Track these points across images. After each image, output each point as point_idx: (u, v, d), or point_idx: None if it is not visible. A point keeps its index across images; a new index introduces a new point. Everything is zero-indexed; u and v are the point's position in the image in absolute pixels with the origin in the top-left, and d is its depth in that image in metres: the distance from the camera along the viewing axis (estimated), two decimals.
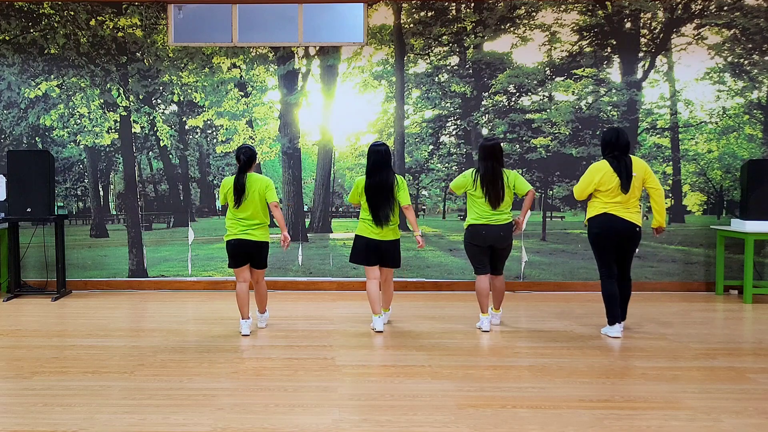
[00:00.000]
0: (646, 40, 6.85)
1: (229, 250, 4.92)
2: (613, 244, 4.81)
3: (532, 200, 5.06)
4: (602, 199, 4.79)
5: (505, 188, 4.95)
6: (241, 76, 6.95)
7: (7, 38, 6.88)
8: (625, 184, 4.71)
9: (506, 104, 6.95)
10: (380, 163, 5.00)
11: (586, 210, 6.98)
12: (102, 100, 6.94)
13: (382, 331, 5.06)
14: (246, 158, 4.84)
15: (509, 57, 6.90)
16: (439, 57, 6.91)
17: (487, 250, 5.05)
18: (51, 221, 6.53)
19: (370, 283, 5.13)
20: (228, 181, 4.89)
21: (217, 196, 7.04)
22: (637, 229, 4.79)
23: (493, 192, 4.91)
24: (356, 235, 5.16)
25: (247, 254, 4.90)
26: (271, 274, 6.99)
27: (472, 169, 5.06)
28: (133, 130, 6.98)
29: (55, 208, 6.83)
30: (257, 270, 5.01)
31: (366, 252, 5.09)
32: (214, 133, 7.03)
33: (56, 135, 6.97)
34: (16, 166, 6.40)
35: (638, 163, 4.79)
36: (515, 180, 4.99)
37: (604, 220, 4.77)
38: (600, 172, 4.78)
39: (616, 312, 4.87)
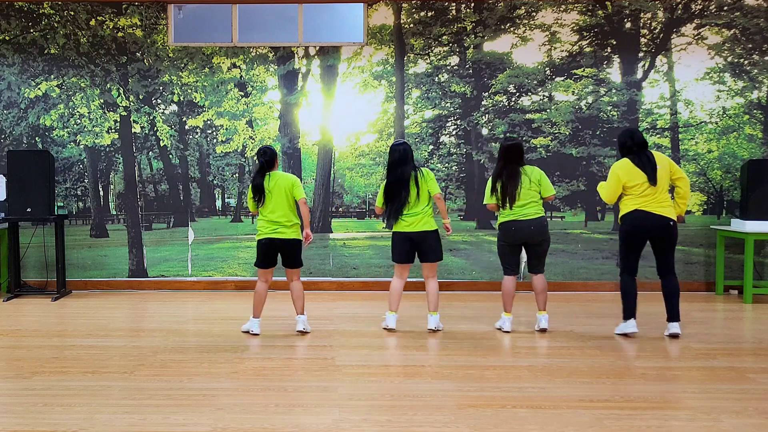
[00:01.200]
0: (646, 40, 6.85)
1: (259, 249, 4.90)
2: (644, 241, 4.78)
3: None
4: (632, 196, 4.75)
5: (528, 184, 4.90)
6: (241, 76, 6.95)
7: (7, 38, 6.88)
8: (652, 176, 4.67)
9: (506, 104, 6.95)
10: (398, 162, 4.96)
11: (586, 211, 7.01)
12: (102, 100, 6.94)
13: (393, 329, 5.02)
14: (265, 160, 4.83)
15: (509, 57, 6.90)
16: (439, 57, 6.91)
17: (519, 248, 5.02)
18: (51, 221, 6.53)
19: (395, 280, 5.10)
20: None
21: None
22: (671, 222, 4.70)
23: (508, 192, 4.89)
24: (393, 233, 5.09)
25: (277, 253, 4.89)
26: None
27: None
28: (133, 130, 6.98)
29: (55, 208, 6.83)
30: (291, 269, 4.96)
31: (401, 246, 5.02)
32: (214, 133, 7.03)
33: (56, 135, 6.97)
34: (16, 166, 6.40)
35: (660, 156, 4.78)
36: (540, 178, 4.96)
37: (636, 217, 4.72)
38: (623, 168, 4.74)
39: (632, 307, 4.84)
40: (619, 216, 4.89)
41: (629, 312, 4.87)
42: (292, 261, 4.92)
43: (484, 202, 5.14)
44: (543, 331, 5.04)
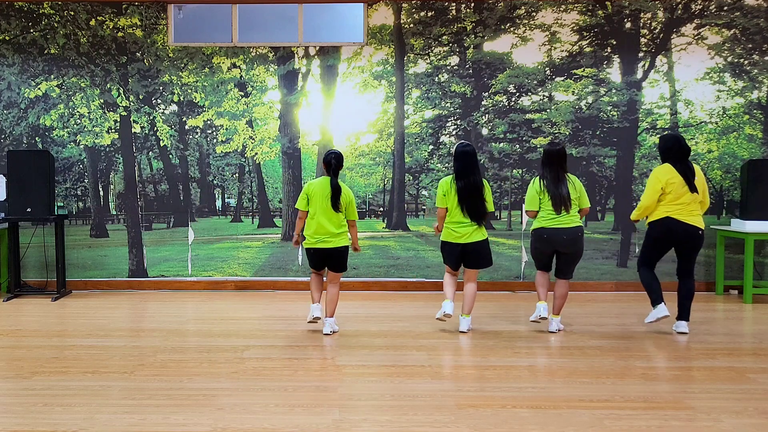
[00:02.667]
0: (646, 40, 6.85)
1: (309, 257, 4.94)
2: (671, 246, 4.87)
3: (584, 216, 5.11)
4: (665, 203, 4.79)
5: (573, 192, 4.90)
6: (241, 76, 6.95)
7: (7, 38, 6.88)
8: (692, 185, 4.73)
9: (506, 104, 6.95)
10: (469, 165, 4.91)
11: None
12: (102, 100, 6.94)
13: (450, 315, 4.94)
14: (337, 163, 4.84)
15: (509, 57, 6.90)
16: (439, 57, 6.91)
17: (552, 254, 5.01)
18: (51, 221, 6.53)
19: (447, 275, 5.09)
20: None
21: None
22: (700, 232, 4.80)
23: (559, 197, 4.86)
24: (442, 242, 5.06)
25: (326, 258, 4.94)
26: (271, 274, 6.99)
27: (535, 178, 5.01)
28: (133, 130, 6.98)
29: (55, 208, 6.83)
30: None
31: (451, 257, 5.02)
32: (214, 133, 7.03)
33: (56, 135, 6.97)
34: (16, 166, 6.40)
35: (697, 170, 4.86)
36: (581, 187, 4.96)
37: (667, 224, 4.79)
38: (668, 174, 4.76)
39: (659, 292, 4.89)
40: (649, 220, 4.91)
41: (658, 297, 4.90)
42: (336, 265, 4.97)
43: (527, 209, 5.03)
44: (550, 332, 5.06)
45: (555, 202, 4.85)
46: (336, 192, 4.76)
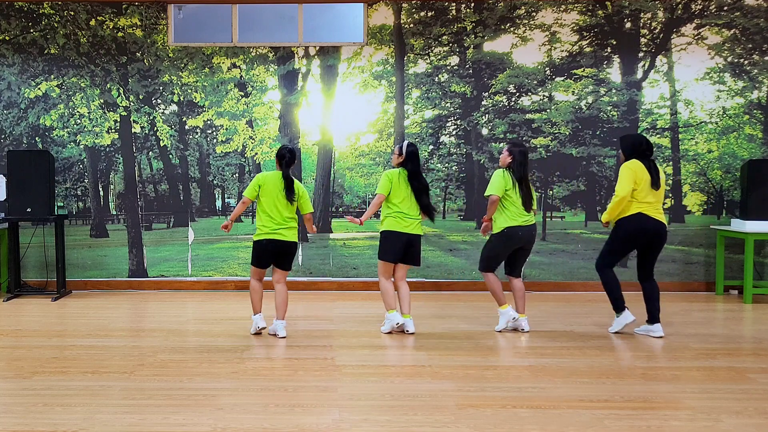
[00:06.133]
0: (646, 40, 6.85)
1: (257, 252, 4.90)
2: (640, 244, 4.86)
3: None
4: (636, 199, 4.80)
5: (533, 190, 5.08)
6: (241, 76, 6.95)
7: (7, 38, 6.88)
8: (656, 180, 4.77)
9: (506, 104, 6.95)
10: (419, 165, 5.07)
11: (586, 211, 7.00)
12: (102, 100, 6.94)
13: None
14: (291, 156, 4.85)
15: (509, 57, 6.90)
16: (439, 57, 6.91)
17: (513, 252, 5.05)
18: (51, 221, 6.53)
19: (388, 282, 5.05)
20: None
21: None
22: (666, 229, 4.86)
23: (529, 197, 4.96)
24: (387, 232, 5.01)
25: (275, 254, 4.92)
26: (271, 273, 6.98)
27: (502, 170, 4.99)
28: (133, 130, 6.98)
29: (55, 208, 6.82)
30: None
31: (394, 248, 4.99)
32: (214, 133, 7.03)
33: (56, 135, 6.97)
34: (16, 166, 6.40)
35: (660, 169, 4.92)
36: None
37: (640, 219, 4.79)
38: (639, 169, 4.77)
39: (622, 297, 4.93)
40: (619, 218, 4.88)
41: (623, 302, 4.94)
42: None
43: (494, 193, 4.92)
44: (525, 332, 5.07)
45: (525, 201, 4.93)
46: (290, 183, 4.78)
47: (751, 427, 3.13)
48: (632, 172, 4.76)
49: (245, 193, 4.87)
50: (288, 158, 4.83)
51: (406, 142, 5.05)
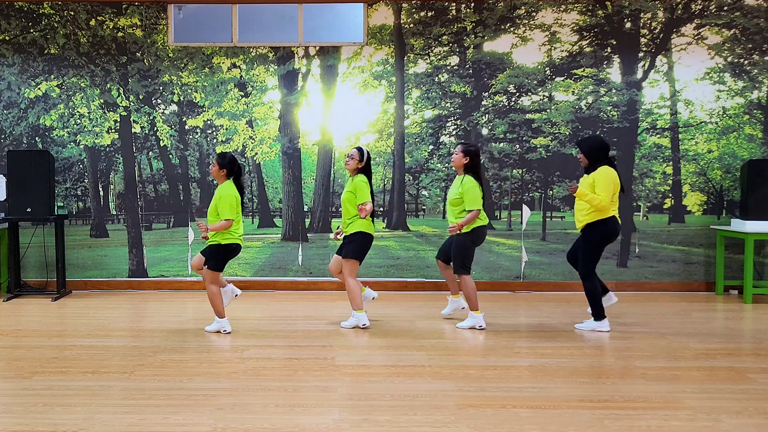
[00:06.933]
0: (646, 40, 6.85)
1: (229, 255, 4.99)
2: (609, 243, 5.10)
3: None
4: (612, 204, 4.98)
5: None
6: (241, 76, 6.95)
7: (7, 38, 6.88)
8: (623, 187, 5.05)
9: (506, 104, 6.95)
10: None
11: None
12: (102, 100, 6.94)
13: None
14: (240, 168, 5.07)
15: (509, 57, 6.90)
16: (439, 57, 6.91)
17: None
18: (51, 221, 6.53)
19: (356, 283, 5.31)
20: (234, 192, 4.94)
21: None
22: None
23: (486, 194, 5.26)
24: (367, 235, 5.22)
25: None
26: (272, 274, 6.99)
27: (471, 179, 5.10)
28: (133, 130, 6.99)
29: (55, 208, 6.83)
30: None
31: (367, 250, 5.36)
32: (214, 133, 7.03)
33: (56, 135, 6.97)
34: (16, 166, 6.40)
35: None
36: None
37: (613, 223, 5.00)
38: (616, 177, 4.97)
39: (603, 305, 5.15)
40: (596, 220, 4.95)
41: (603, 311, 5.11)
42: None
43: (478, 207, 5.03)
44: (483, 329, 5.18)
45: (485, 201, 5.18)
46: (243, 194, 5.01)
47: (751, 427, 3.13)
48: (612, 177, 4.94)
49: (230, 215, 4.83)
50: (237, 169, 5.00)
51: (365, 149, 5.21)
